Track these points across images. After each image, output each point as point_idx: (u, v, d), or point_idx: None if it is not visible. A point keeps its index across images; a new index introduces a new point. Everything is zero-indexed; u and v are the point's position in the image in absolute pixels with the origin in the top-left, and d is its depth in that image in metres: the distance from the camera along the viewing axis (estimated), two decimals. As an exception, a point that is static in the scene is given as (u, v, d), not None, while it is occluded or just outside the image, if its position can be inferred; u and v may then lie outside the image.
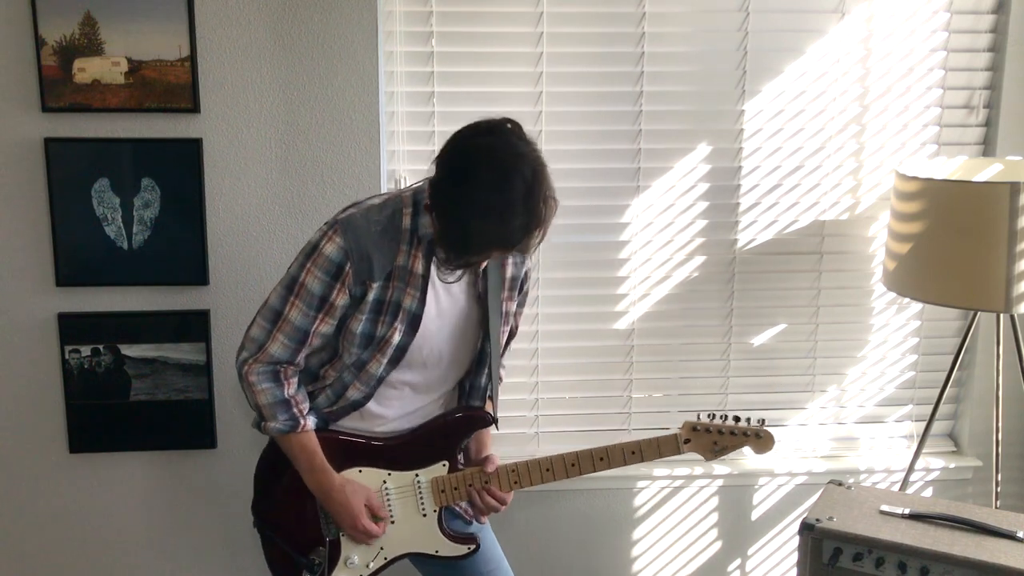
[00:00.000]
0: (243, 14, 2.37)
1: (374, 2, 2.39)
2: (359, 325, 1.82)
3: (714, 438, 1.96)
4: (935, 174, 2.44)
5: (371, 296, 1.80)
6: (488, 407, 2.03)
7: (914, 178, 2.29)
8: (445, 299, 1.87)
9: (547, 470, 1.96)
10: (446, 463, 1.94)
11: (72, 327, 2.47)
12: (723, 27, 2.55)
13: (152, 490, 2.60)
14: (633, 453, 1.95)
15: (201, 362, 2.50)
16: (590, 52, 2.53)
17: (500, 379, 2.16)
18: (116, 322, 2.47)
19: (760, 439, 1.97)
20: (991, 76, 2.63)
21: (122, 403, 2.51)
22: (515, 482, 1.95)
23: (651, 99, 2.56)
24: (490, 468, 1.95)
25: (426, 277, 1.81)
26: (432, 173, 1.70)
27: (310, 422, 1.89)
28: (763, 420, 1.98)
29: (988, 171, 2.48)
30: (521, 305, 2.07)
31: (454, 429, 1.96)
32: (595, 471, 1.97)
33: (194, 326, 2.49)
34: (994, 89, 2.63)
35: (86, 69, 2.33)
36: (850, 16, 2.56)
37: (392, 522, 1.94)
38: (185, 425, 2.54)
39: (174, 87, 2.36)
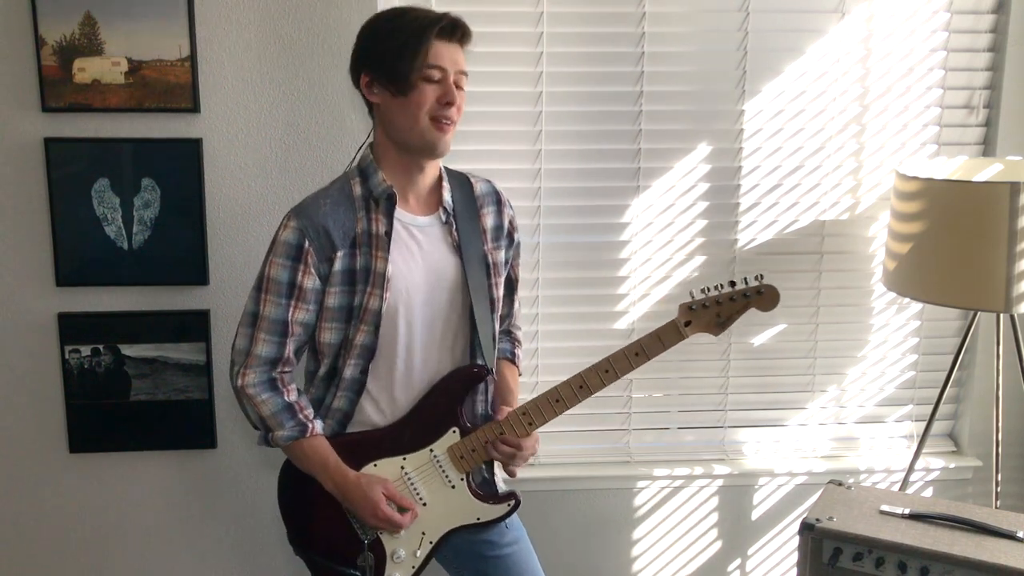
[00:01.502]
0: (243, 14, 2.37)
1: (374, 2, 2.39)
2: (334, 299, 1.84)
3: (715, 311, 1.85)
4: (935, 174, 2.44)
5: (338, 267, 1.82)
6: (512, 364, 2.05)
7: (914, 178, 2.29)
8: (421, 259, 1.87)
9: (556, 401, 1.90)
10: (455, 429, 1.90)
11: (72, 327, 2.47)
12: (723, 27, 2.55)
13: (152, 490, 2.60)
14: (637, 354, 1.86)
15: (201, 362, 2.50)
16: (590, 52, 2.53)
17: (519, 341, 2.17)
18: (116, 322, 2.47)
19: (763, 295, 1.83)
20: (991, 76, 2.63)
21: (122, 403, 2.51)
22: (529, 423, 1.90)
23: (651, 99, 2.56)
24: (500, 417, 1.92)
25: (389, 234, 1.83)
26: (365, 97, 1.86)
27: (318, 425, 1.88)
28: (760, 276, 1.84)
29: (988, 171, 2.48)
30: (516, 257, 2.07)
31: (449, 392, 1.91)
32: (604, 386, 1.88)
33: (194, 326, 2.49)
34: (994, 89, 2.63)
35: (86, 69, 2.33)
36: (850, 16, 2.56)
37: (424, 504, 1.91)
38: (185, 425, 2.54)
39: (174, 87, 2.36)
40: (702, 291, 1.88)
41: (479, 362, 1.94)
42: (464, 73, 1.83)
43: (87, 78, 2.34)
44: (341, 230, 1.82)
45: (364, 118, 2.42)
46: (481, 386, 1.97)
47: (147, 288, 2.47)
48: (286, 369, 1.88)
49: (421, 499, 1.91)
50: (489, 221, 1.97)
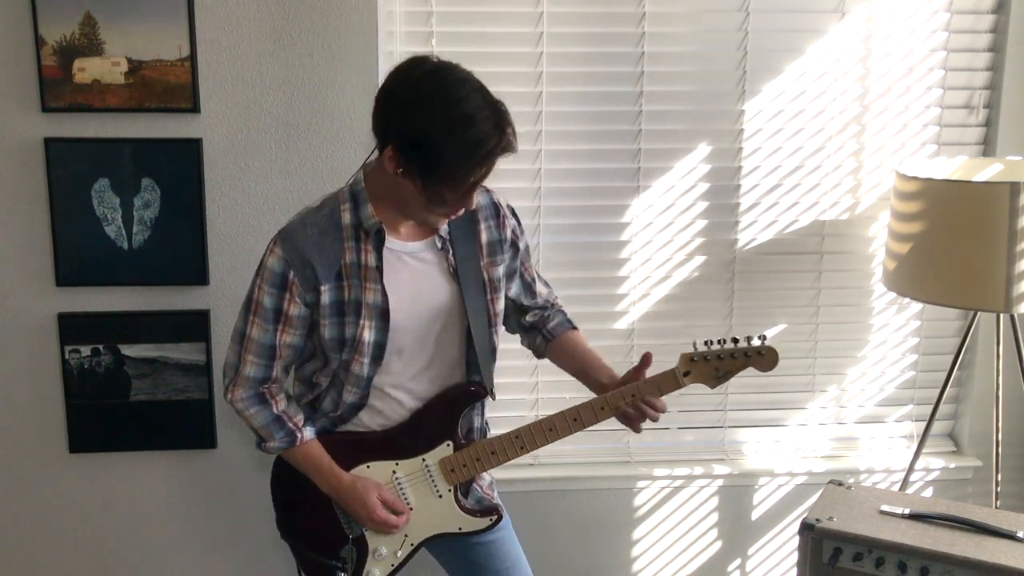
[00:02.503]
0: (243, 14, 2.37)
1: (374, 2, 2.39)
2: (326, 331, 1.82)
3: (715, 365, 1.87)
4: (935, 174, 2.44)
5: (325, 300, 1.79)
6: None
7: (914, 178, 2.29)
8: (415, 288, 1.85)
9: (550, 430, 1.92)
10: (449, 443, 1.93)
11: (72, 327, 2.47)
12: (723, 27, 2.55)
13: (152, 490, 2.60)
14: (634, 396, 1.88)
15: (201, 362, 2.50)
16: (590, 52, 2.53)
17: (562, 308, 2.11)
18: (116, 322, 2.47)
19: (763, 356, 1.85)
20: (991, 76, 2.63)
21: (122, 403, 2.51)
22: (521, 447, 1.93)
23: (651, 99, 2.56)
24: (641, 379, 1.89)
25: (380, 268, 1.80)
26: (376, 144, 1.71)
27: (307, 433, 1.89)
28: (764, 336, 1.86)
29: (988, 171, 2.48)
30: (526, 260, 2.02)
31: (449, 408, 1.93)
32: (598, 421, 1.92)
33: (194, 326, 2.49)
34: (994, 89, 2.63)
35: (86, 69, 2.33)
36: (850, 16, 2.56)
37: (410, 508, 1.94)
38: (185, 425, 2.54)
39: (174, 87, 2.36)
40: (705, 343, 1.88)
41: (476, 379, 1.94)
42: None
43: (87, 78, 2.34)
44: (326, 263, 1.78)
45: (365, 118, 2.42)
46: (478, 404, 1.99)
47: (147, 288, 2.47)
48: (274, 385, 1.89)
49: (408, 504, 1.94)
50: (485, 236, 1.91)
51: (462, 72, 1.69)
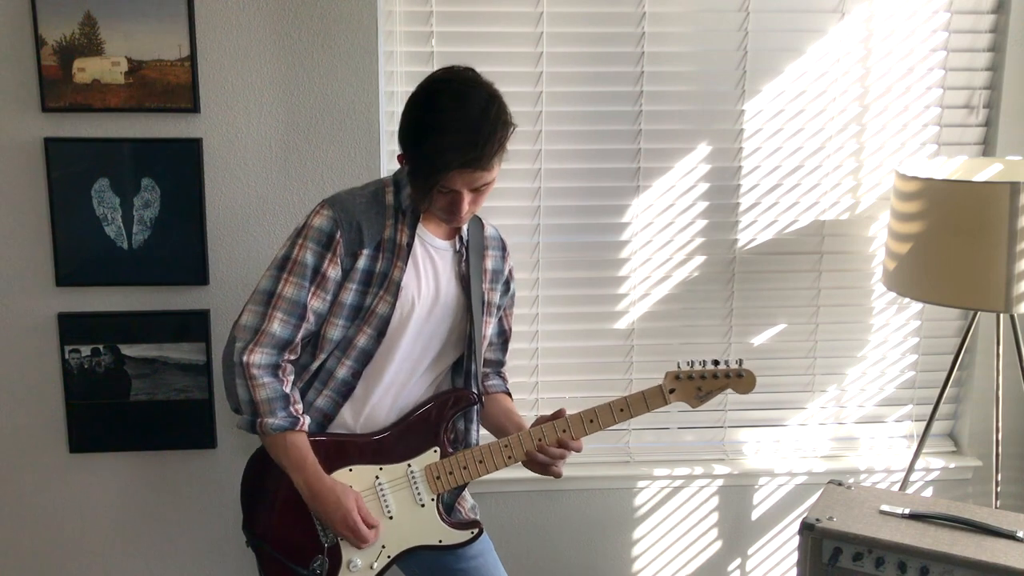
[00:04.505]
0: (243, 14, 2.37)
1: (374, 2, 2.39)
2: (349, 296, 1.87)
3: (697, 384, 1.96)
4: (935, 174, 2.44)
5: (360, 265, 1.85)
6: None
7: (914, 178, 2.29)
8: (432, 277, 1.91)
9: (539, 439, 1.94)
10: (436, 449, 1.93)
11: (72, 327, 2.47)
12: (723, 27, 2.55)
13: (152, 490, 2.60)
14: (622, 410, 1.95)
15: (201, 362, 2.50)
16: (590, 52, 2.53)
17: (504, 378, 2.19)
18: (116, 322, 2.47)
19: (742, 379, 1.96)
20: (991, 76, 2.63)
21: (122, 403, 2.51)
22: (508, 457, 1.94)
23: (651, 99, 2.56)
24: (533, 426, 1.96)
25: (410, 245, 1.88)
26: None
27: (306, 421, 1.88)
28: (740, 360, 1.97)
29: (988, 171, 2.48)
30: (510, 306, 2.12)
31: (438, 413, 1.95)
32: (587, 434, 1.97)
33: (194, 326, 2.49)
34: (994, 89, 2.63)
35: (86, 69, 2.33)
36: (850, 16, 2.56)
37: (391, 517, 1.92)
38: (185, 425, 2.54)
39: (174, 87, 2.36)
40: (688, 363, 1.97)
41: (473, 389, 1.97)
42: (488, 183, 1.81)
43: (87, 78, 2.34)
44: (371, 231, 1.86)
45: (364, 118, 2.44)
46: (468, 413, 2.00)
47: (147, 288, 2.47)
48: (291, 357, 1.89)
49: (389, 512, 1.92)
50: (490, 263, 2.01)
51: (465, 87, 1.78)
